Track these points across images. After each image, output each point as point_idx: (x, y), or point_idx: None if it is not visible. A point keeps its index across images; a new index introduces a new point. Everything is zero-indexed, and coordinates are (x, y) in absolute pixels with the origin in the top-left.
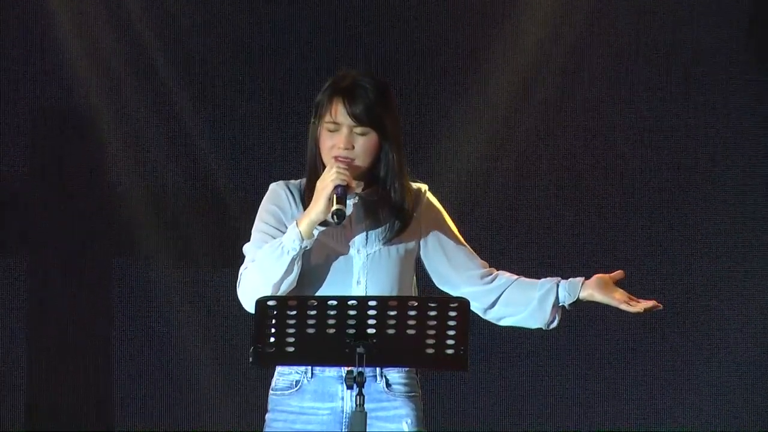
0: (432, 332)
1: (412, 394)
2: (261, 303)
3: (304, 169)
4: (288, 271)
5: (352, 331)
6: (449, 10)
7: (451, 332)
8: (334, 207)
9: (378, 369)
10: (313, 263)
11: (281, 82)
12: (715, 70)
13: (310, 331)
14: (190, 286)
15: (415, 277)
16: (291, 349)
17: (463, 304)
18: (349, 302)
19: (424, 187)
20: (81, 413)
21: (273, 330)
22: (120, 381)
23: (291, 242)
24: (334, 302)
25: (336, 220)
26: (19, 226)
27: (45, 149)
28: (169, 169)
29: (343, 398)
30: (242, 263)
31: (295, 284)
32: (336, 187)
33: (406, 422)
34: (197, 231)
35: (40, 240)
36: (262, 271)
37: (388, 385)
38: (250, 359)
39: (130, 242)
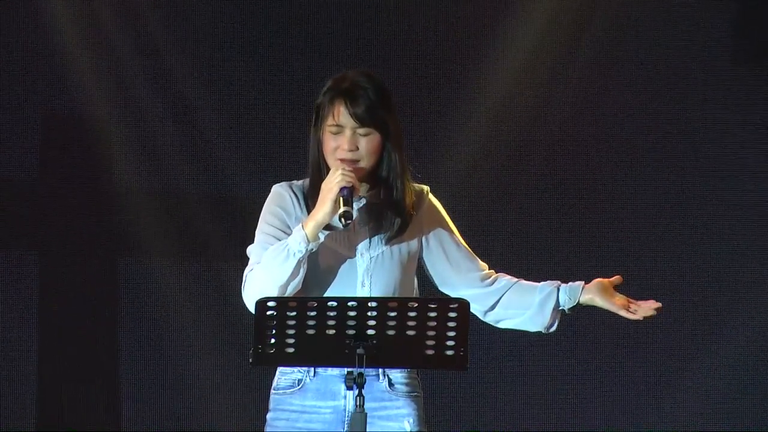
0: (432, 333)
1: (414, 393)
2: (261, 304)
3: (306, 170)
4: (294, 274)
5: (352, 331)
6: (446, 10)
7: (451, 333)
8: (342, 209)
9: (381, 368)
10: (318, 266)
11: (280, 81)
12: (710, 69)
13: (310, 332)
14: (192, 287)
15: (416, 279)
16: (291, 350)
17: (463, 305)
18: (349, 303)
19: (425, 188)
20: (88, 413)
21: (273, 331)
22: (123, 381)
23: (297, 244)
24: (334, 303)
25: (344, 222)
26: (27, 228)
27: (52, 152)
28: (172, 170)
29: (345, 396)
30: (246, 265)
31: (300, 286)
32: (342, 189)
33: (408, 421)
34: (200, 232)
35: (48, 242)
36: (268, 273)
37: (390, 384)
38: (251, 360)
39: (134, 244)
